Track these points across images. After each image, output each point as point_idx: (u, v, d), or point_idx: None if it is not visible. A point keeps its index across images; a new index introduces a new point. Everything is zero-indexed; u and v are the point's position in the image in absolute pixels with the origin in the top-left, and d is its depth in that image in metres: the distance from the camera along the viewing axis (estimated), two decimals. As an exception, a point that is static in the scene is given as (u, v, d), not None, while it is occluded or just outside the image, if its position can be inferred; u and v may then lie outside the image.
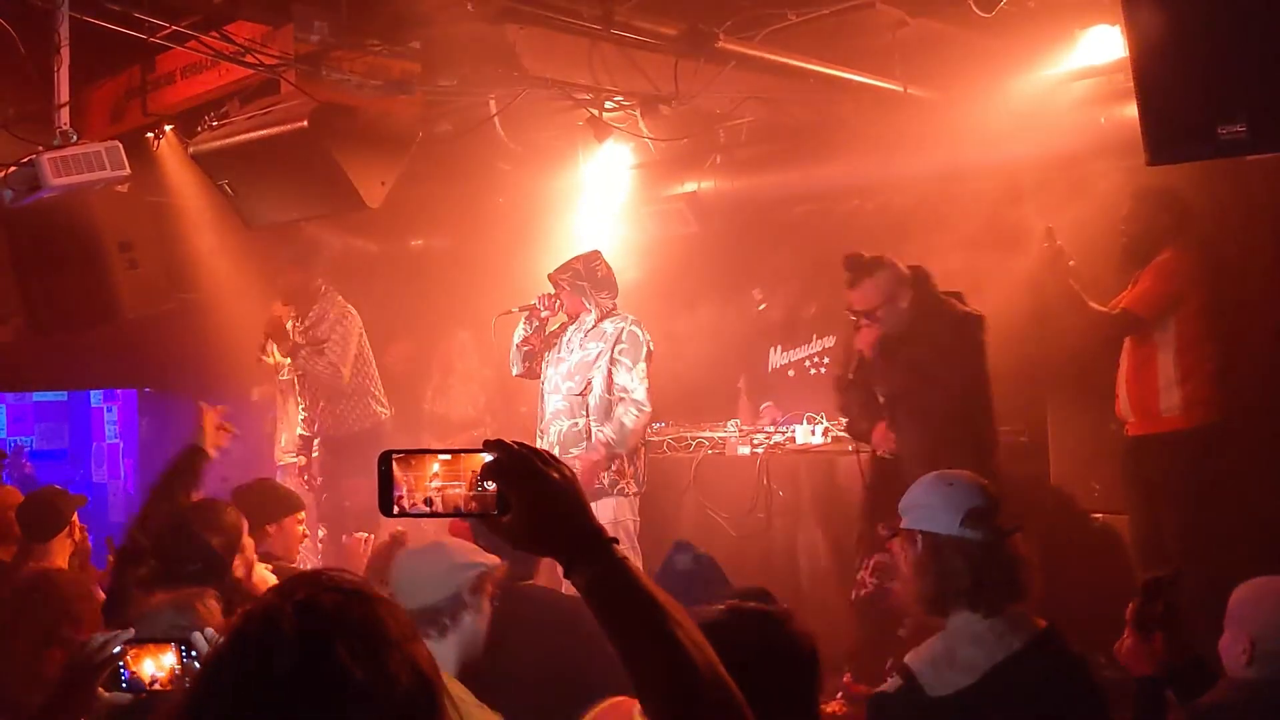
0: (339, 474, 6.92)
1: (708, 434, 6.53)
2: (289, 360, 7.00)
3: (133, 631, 2.36)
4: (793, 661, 2.10)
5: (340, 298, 7.05)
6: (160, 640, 2.31)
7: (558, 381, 5.94)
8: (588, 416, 5.85)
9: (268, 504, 4.96)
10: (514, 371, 6.21)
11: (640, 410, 5.85)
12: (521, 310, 6.04)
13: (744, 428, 6.54)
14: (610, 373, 5.87)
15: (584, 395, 5.87)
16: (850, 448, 5.98)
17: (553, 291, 5.98)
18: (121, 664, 2.28)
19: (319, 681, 1.34)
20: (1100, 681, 2.88)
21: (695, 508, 6.29)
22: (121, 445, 9.94)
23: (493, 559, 3.14)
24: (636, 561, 1.64)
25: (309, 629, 1.37)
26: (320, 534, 6.76)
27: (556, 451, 5.72)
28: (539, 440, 5.98)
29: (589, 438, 5.81)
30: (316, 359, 6.83)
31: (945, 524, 2.86)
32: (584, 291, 5.94)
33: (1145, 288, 5.21)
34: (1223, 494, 5.04)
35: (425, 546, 3.23)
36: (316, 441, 7.06)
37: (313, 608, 1.39)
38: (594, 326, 5.93)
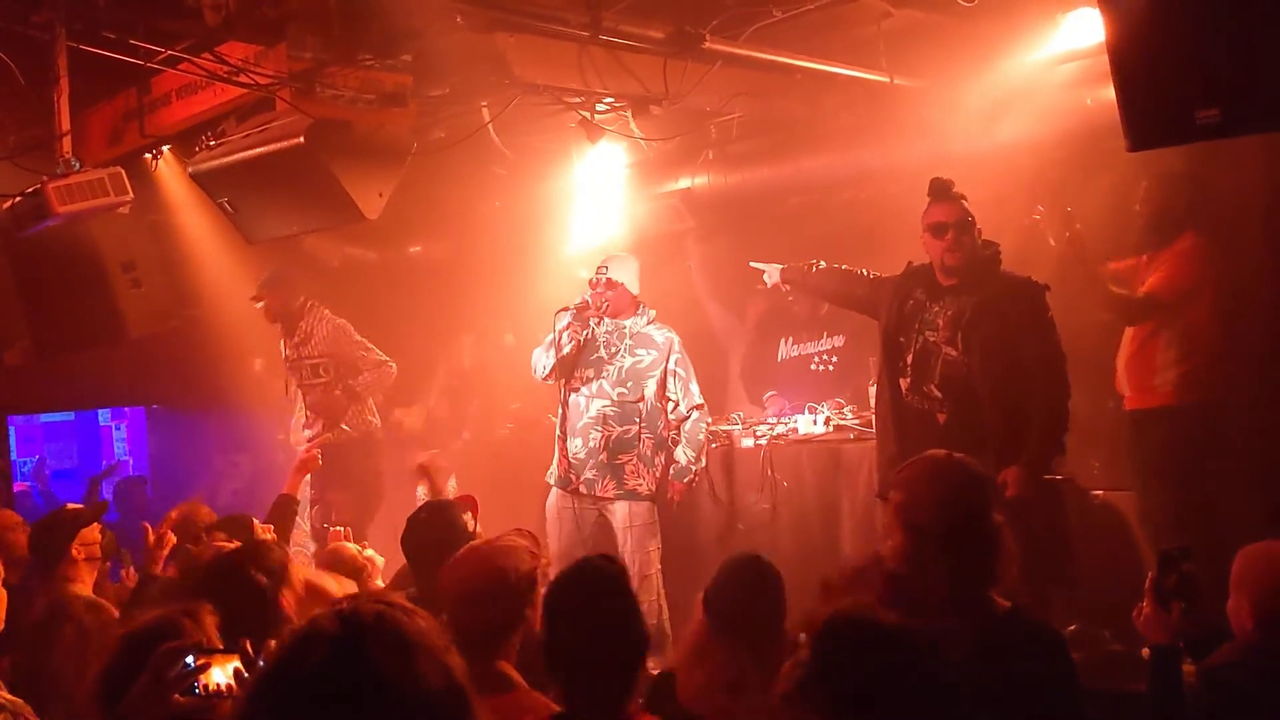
0: (325, 486, 6.98)
1: (713, 427, 6.58)
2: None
3: (203, 642, 2.46)
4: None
5: (326, 311, 7.11)
6: (227, 650, 2.40)
7: (603, 386, 5.89)
8: (639, 423, 5.87)
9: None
10: (544, 375, 5.99)
11: (709, 421, 6.06)
12: (577, 311, 5.90)
13: (748, 420, 6.60)
14: (665, 382, 5.93)
15: (639, 402, 5.88)
16: (851, 435, 6.09)
17: (596, 290, 5.91)
18: (194, 675, 2.37)
19: (348, 676, 1.49)
20: (1072, 658, 2.90)
21: (703, 500, 6.35)
22: (131, 462, 10.01)
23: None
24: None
25: (344, 630, 1.53)
26: (312, 549, 6.82)
27: (603, 459, 5.79)
28: (566, 443, 5.93)
29: (638, 445, 5.85)
30: (293, 366, 6.90)
31: (929, 521, 2.88)
32: (634, 290, 5.97)
33: (1171, 273, 5.26)
34: (1213, 468, 5.13)
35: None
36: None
37: (352, 614, 1.56)
38: (640, 331, 5.95)
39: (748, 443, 6.33)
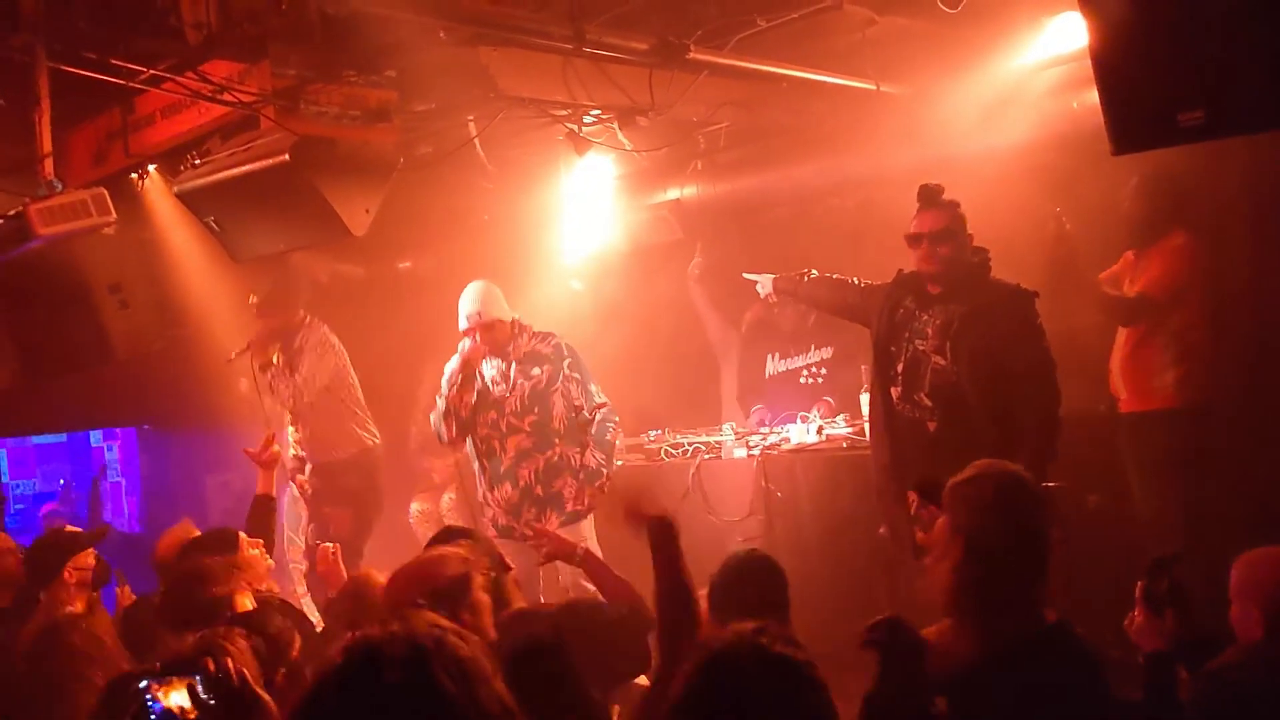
0: (321, 501, 6.93)
1: (704, 438, 6.55)
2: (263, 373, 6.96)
3: (158, 666, 2.44)
4: None
5: (325, 329, 7.01)
6: (180, 675, 2.38)
7: (511, 422, 5.71)
8: (559, 443, 5.70)
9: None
10: (448, 439, 5.83)
11: (615, 420, 5.80)
12: (465, 379, 5.75)
13: (739, 430, 6.57)
14: (568, 391, 5.74)
15: (552, 422, 5.69)
16: (844, 444, 6.07)
17: (469, 343, 5.71)
18: (150, 698, 2.35)
19: (422, 693, 1.54)
20: (1109, 677, 2.89)
21: (695, 513, 6.31)
22: (124, 483, 9.96)
23: None
24: None
25: (411, 650, 1.57)
26: (305, 567, 6.77)
27: (539, 492, 5.58)
28: (494, 493, 5.74)
29: (568, 464, 5.68)
30: (280, 379, 6.84)
31: (1001, 551, 2.86)
32: (509, 318, 5.80)
33: (1163, 271, 5.27)
34: (1212, 470, 5.12)
35: None
36: (308, 466, 7.08)
37: (412, 636, 1.60)
38: (526, 350, 5.77)
39: (740, 453, 6.29)
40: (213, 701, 2.30)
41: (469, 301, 5.78)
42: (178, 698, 2.33)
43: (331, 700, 1.56)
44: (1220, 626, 3.07)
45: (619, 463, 5.88)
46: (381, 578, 4.26)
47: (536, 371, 5.73)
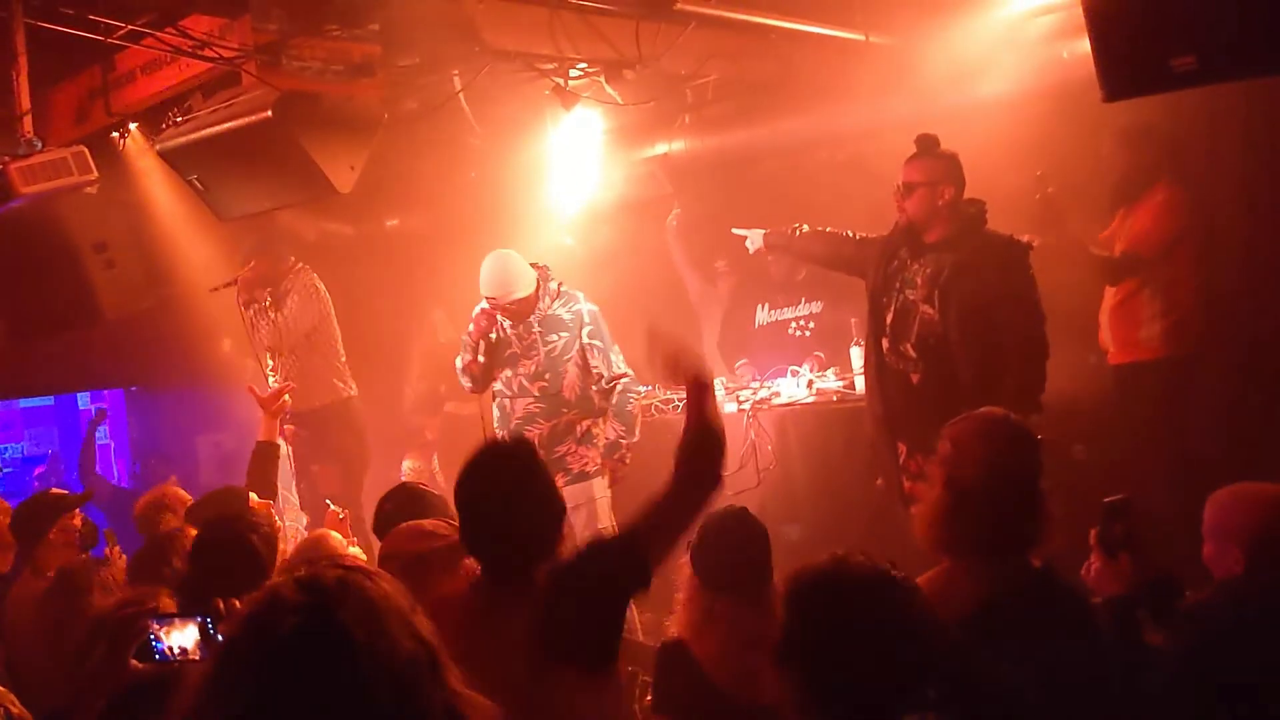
0: (307, 459, 6.92)
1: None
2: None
3: (159, 607, 2.44)
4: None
5: (313, 276, 6.98)
6: (184, 616, 2.39)
7: (523, 383, 5.67)
8: (567, 410, 5.63)
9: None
10: (468, 390, 5.91)
11: (638, 390, 5.73)
12: (477, 336, 5.74)
13: (729, 385, 6.56)
14: (584, 359, 5.66)
15: (561, 390, 5.63)
16: (834, 398, 6.07)
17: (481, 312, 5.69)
18: (152, 637, 2.36)
19: (321, 642, 1.49)
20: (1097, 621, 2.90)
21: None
22: (112, 445, 9.94)
23: None
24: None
25: (309, 597, 1.52)
26: (304, 522, 6.77)
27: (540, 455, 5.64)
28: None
29: (572, 431, 5.63)
30: (261, 317, 6.81)
31: (973, 480, 2.86)
32: (531, 289, 5.69)
33: (1148, 227, 5.26)
34: (1198, 419, 5.14)
35: None
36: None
37: (313, 580, 1.55)
38: (547, 315, 5.69)
39: (730, 408, 6.28)
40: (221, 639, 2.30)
41: (490, 284, 5.64)
42: (179, 637, 2.34)
43: (234, 656, 1.52)
44: (1196, 574, 3.07)
45: (635, 436, 5.75)
46: (337, 540, 4.16)
47: (554, 338, 5.65)
